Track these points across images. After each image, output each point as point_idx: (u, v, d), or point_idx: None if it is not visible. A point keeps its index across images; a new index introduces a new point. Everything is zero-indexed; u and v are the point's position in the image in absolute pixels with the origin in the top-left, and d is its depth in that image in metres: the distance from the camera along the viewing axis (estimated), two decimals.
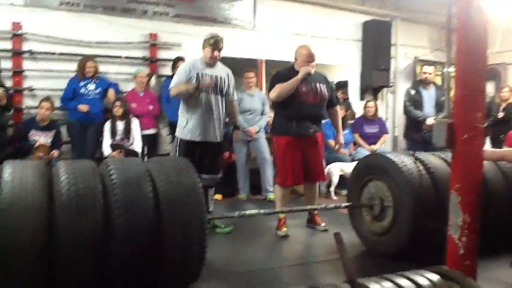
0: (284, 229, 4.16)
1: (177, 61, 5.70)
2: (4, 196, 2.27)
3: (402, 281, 1.47)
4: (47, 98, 5.32)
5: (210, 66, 4.08)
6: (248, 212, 3.46)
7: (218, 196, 5.64)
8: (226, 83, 4.16)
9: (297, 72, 4.05)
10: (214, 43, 4.01)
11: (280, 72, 4.17)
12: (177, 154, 4.08)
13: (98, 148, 5.52)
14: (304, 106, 4.03)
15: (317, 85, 4.10)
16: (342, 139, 4.41)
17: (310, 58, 4.08)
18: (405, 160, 3.45)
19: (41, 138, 5.22)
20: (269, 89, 4.15)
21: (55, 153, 5.18)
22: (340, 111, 4.53)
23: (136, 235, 2.43)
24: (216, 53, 4.04)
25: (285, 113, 4.09)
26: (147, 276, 2.54)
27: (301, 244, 4.05)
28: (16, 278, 2.22)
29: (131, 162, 2.75)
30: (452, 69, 2.60)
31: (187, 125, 4.04)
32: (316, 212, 4.35)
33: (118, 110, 5.42)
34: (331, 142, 5.41)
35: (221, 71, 4.18)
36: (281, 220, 4.21)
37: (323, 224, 4.34)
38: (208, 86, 4.00)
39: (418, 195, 3.24)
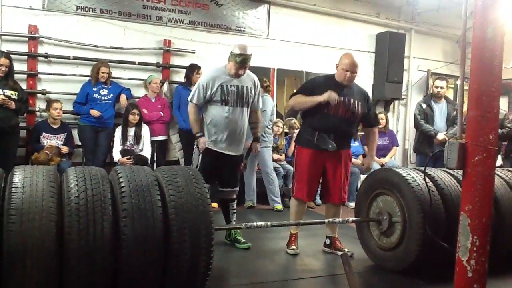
0: (293, 247, 3.96)
1: (192, 68, 5.75)
2: (14, 201, 2.29)
3: None
4: (57, 100, 5.38)
5: (236, 77, 3.89)
6: (255, 223, 3.44)
7: None
8: (252, 92, 3.99)
9: (334, 82, 3.82)
10: (241, 62, 3.79)
11: (317, 79, 3.96)
12: (200, 161, 3.95)
13: (109, 153, 5.56)
14: (330, 119, 3.76)
15: (351, 100, 3.81)
16: (371, 163, 4.13)
17: (350, 67, 3.79)
18: (415, 176, 3.43)
19: (53, 141, 5.27)
20: (294, 92, 4.01)
21: (64, 148, 5.24)
22: (377, 133, 4.20)
23: (143, 243, 2.43)
24: (241, 71, 3.86)
25: (310, 123, 3.87)
26: (154, 284, 2.54)
27: (308, 257, 3.97)
28: (26, 284, 2.23)
29: (140, 170, 2.75)
30: (465, 84, 2.57)
31: (213, 136, 3.92)
32: (336, 236, 4.03)
33: (135, 118, 5.47)
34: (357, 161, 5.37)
35: (247, 80, 3.98)
36: (292, 236, 4.02)
37: (346, 250, 3.91)
38: None
39: (427, 211, 3.21)
